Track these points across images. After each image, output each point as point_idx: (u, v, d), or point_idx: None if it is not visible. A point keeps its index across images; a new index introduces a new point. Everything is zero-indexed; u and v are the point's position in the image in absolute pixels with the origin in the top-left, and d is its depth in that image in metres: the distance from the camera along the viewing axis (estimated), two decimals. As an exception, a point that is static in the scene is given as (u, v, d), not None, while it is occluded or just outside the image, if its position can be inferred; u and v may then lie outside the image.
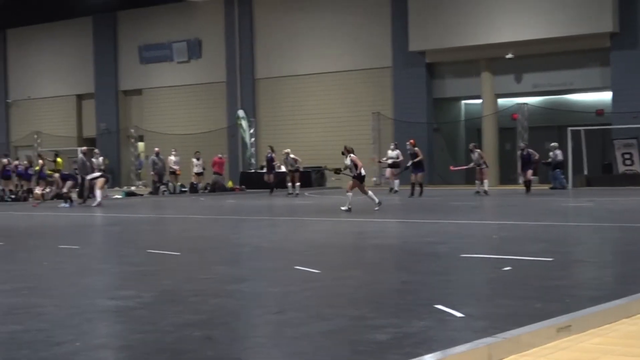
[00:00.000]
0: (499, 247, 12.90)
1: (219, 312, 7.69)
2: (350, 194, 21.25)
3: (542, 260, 10.80)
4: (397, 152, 32.17)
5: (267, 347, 6.29)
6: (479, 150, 30.48)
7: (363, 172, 21.36)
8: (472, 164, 30.07)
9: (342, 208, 21.05)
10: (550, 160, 32.69)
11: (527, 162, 30.35)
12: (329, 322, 7.02)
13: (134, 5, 47.61)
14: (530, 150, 30.71)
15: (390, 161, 32.29)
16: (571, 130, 34.72)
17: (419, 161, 28.77)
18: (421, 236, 14.88)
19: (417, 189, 28.31)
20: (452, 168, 33.39)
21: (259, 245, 14.08)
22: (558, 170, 32.49)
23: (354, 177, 21.16)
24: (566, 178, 32.95)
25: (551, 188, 32.31)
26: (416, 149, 29.13)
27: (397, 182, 31.87)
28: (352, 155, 21.26)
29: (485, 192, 29.02)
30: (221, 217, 21.44)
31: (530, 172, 30.16)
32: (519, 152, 30.41)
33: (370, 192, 21.31)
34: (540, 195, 28.11)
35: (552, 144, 33.19)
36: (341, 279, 9.60)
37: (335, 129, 41.45)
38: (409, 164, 29.12)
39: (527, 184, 29.96)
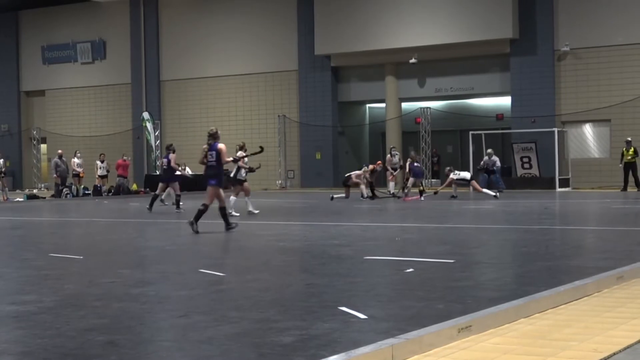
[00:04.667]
0: (402, 249, 13.07)
1: (122, 317, 7.62)
2: None
3: (444, 262, 10.97)
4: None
5: (171, 351, 6.27)
6: (398, 153, 29.52)
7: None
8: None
9: None
10: (484, 165, 32.92)
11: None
12: (235, 325, 7.03)
13: (37, 5, 46.66)
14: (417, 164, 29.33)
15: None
16: (472, 134, 35.45)
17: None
18: (326, 239, 14.95)
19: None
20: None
21: (164, 248, 13.98)
22: (496, 175, 33.03)
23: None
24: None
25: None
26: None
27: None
28: None
29: (394, 194, 29.12)
30: (125, 220, 21.19)
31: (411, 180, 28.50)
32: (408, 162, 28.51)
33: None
34: (442, 199, 28.53)
35: (489, 150, 33.29)
36: (246, 282, 9.62)
37: (242, 131, 41.39)
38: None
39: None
